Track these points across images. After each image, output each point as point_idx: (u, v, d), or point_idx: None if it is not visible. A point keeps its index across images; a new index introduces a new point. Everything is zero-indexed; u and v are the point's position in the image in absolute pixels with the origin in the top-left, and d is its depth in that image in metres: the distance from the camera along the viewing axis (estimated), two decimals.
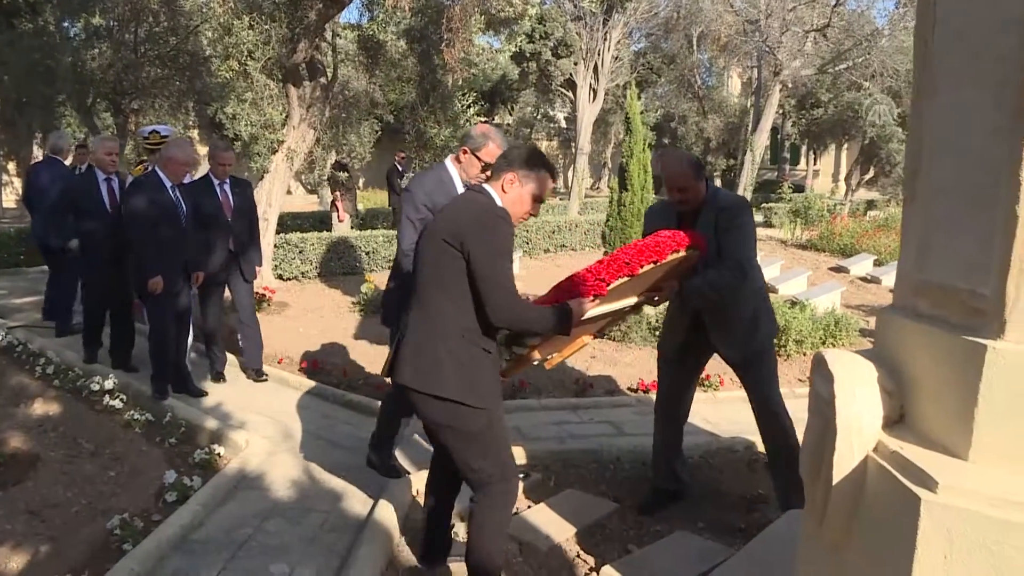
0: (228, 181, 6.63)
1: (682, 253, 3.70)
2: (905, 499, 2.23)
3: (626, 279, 3.49)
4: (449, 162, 4.55)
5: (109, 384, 6.09)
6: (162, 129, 6.82)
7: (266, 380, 6.72)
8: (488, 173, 4.27)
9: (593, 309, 3.46)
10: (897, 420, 2.60)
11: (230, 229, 6.56)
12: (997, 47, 2.31)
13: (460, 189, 4.38)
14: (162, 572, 3.55)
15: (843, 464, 2.49)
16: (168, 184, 5.99)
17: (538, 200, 3.38)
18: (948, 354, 2.37)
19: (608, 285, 3.43)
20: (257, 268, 6.87)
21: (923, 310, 2.60)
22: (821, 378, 2.58)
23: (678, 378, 4.53)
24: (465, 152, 4.45)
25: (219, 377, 6.74)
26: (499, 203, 3.26)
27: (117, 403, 5.83)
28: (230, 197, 6.60)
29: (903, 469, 2.32)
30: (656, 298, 4.03)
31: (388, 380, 3.66)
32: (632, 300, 3.89)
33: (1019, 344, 2.21)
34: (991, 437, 2.24)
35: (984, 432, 2.24)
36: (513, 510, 3.47)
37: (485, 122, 30.07)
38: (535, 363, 3.76)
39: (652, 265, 3.56)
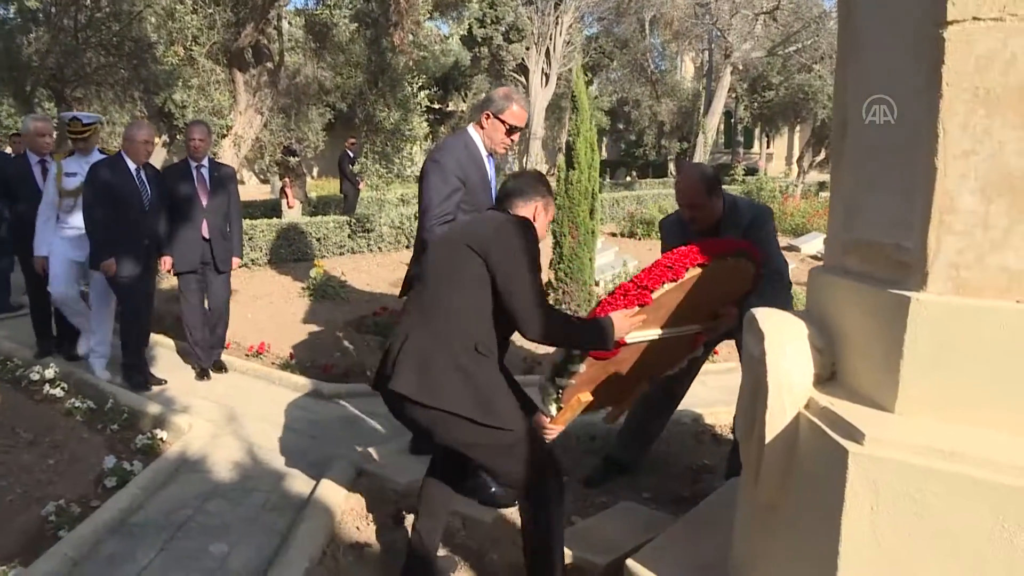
0: (207, 164, 6.31)
1: (730, 260, 3.36)
2: (834, 453, 2.26)
3: (671, 285, 3.15)
4: (471, 129, 4.26)
5: (50, 373, 5.94)
6: (84, 116, 6.43)
7: (225, 373, 6.46)
8: (513, 138, 4.20)
9: (641, 332, 3.21)
10: (828, 378, 2.63)
11: (205, 216, 6.21)
12: (913, 9, 2.34)
13: (485, 157, 4.20)
14: (98, 556, 3.47)
15: (775, 421, 2.51)
16: (132, 166, 5.80)
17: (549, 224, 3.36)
18: (875, 308, 2.40)
19: (652, 292, 3.12)
20: (235, 260, 6.50)
21: (851, 267, 2.63)
22: (752, 336, 2.60)
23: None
24: (488, 116, 4.16)
25: (204, 374, 6.35)
26: None
27: (58, 392, 5.68)
28: (207, 181, 6.25)
29: (832, 423, 2.34)
30: (716, 326, 3.67)
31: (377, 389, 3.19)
32: (688, 328, 3.50)
33: (941, 295, 2.24)
34: (916, 388, 2.27)
35: (909, 383, 2.27)
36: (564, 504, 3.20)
37: (439, 108, 29.79)
38: (592, 412, 3.55)
39: (699, 269, 3.20)
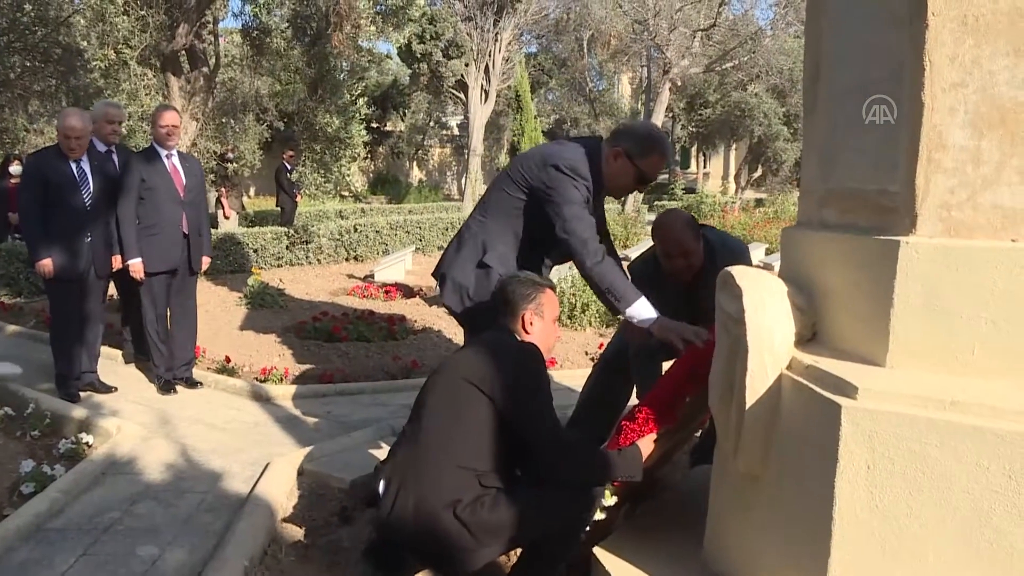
0: (175, 153, 5.69)
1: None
2: (824, 411, 2.10)
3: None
4: (606, 154, 3.41)
5: None
6: None
7: (199, 386, 5.86)
8: (640, 188, 3.58)
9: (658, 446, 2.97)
10: (810, 338, 2.47)
11: (184, 209, 5.62)
12: None
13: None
14: (8, 564, 3.14)
15: (756, 384, 2.34)
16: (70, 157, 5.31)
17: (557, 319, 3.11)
18: (860, 258, 2.26)
19: (676, 410, 2.94)
20: (205, 259, 5.91)
21: (830, 220, 2.48)
22: (728, 295, 2.43)
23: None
24: (619, 155, 3.34)
25: (167, 387, 5.72)
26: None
27: None
28: (180, 171, 5.64)
29: (819, 381, 2.18)
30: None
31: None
32: (695, 421, 3.28)
33: (932, 238, 2.11)
34: (908, 338, 2.12)
35: (901, 334, 2.13)
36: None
37: (377, 127, 29.14)
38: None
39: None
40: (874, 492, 2.00)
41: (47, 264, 5.23)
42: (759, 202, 28.59)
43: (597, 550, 2.90)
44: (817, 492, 2.10)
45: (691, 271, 3.63)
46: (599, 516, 2.93)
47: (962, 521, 1.93)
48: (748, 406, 2.35)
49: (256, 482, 3.86)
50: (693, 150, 40.44)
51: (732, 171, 37.10)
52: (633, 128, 3.67)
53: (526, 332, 2.97)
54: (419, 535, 2.69)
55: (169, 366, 5.78)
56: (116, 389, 5.65)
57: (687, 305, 3.57)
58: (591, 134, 33.25)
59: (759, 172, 31.28)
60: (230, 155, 13.57)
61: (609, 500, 2.92)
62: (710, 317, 2.76)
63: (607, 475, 2.84)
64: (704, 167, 42.98)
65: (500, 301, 3.04)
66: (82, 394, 5.50)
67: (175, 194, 5.62)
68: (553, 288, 3.12)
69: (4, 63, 11.75)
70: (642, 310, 3.21)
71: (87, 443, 4.54)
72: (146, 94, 10.57)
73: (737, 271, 2.44)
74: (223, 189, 13.56)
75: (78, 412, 4.93)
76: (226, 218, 13.56)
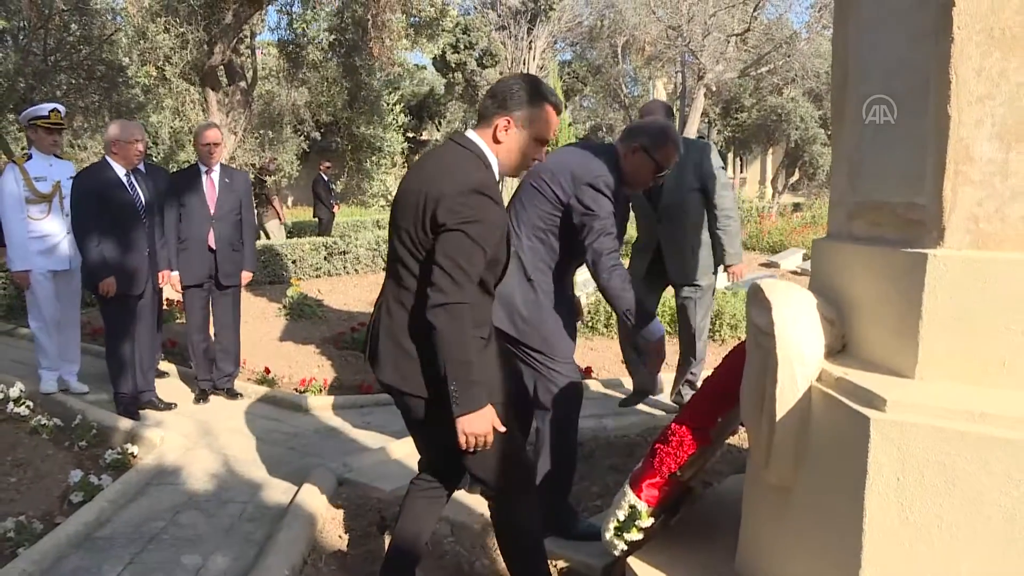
0: (218, 169, 5.81)
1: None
2: (853, 423, 2.11)
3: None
4: (623, 152, 3.54)
5: (14, 392, 5.66)
6: (62, 108, 6.06)
7: (240, 398, 5.98)
8: (659, 180, 3.70)
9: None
10: (840, 350, 2.49)
11: (212, 225, 5.73)
12: None
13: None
14: (59, 571, 3.25)
15: (786, 396, 2.36)
16: (121, 171, 5.40)
17: (543, 142, 2.73)
18: (888, 271, 2.27)
19: (710, 430, 2.88)
20: (246, 274, 5.95)
21: (859, 232, 2.50)
22: (758, 308, 2.45)
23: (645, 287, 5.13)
24: (636, 150, 3.47)
25: (202, 396, 5.91)
26: (490, 160, 2.67)
27: (23, 410, 5.40)
28: (216, 187, 5.76)
29: (849, 393, 2.20)
30: None
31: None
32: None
33: (960, 250, 2.12)
34: (938, 350, 2.13)
35: (930, 346, 2.13)
36: (538, 522, 2.90)
37: (413, 136, 29.24)
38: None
39: None
40: (904, 504, 2.01)
41: (111, 284, 5.29)
42: (796, 206, 28.32)
43: (631, 559, 2.93)
44: (848, 504, 2.11)
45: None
46: (636, 536, 2.92)
47: (995, 533, 1.93)
48: (779, 418, 2.36)
49: (296, 492, 3.93)
50: (730, 155, 40.22)
51: (769, 176, 36.79)
52: (645, 125, 3.78)
53: (496, 140, 2.66)
54: (397, 368, 2.61)
55: (209, 376, 5.91)
56: (176, 406, 5.71)
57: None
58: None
59: (796, 176, 31.06)
60: (271, 166, 13.74)
61: (645, 520, 2.91)
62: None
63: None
64: (741, 172, 42.62)
65: (480, 108, 2.73)
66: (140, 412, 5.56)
67: (205, 210, 5.75)
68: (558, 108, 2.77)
69: (51, 81, 12.09)
70: (653, 329, 3.43)
71: (132, 453, 4.65)
72: (190, 108, 10.77)
73: (767, 284, 2.46)
74: (275, 197, 13.69)
75: (124, 423, 5.06)
76: (282, 223, 13.73)
